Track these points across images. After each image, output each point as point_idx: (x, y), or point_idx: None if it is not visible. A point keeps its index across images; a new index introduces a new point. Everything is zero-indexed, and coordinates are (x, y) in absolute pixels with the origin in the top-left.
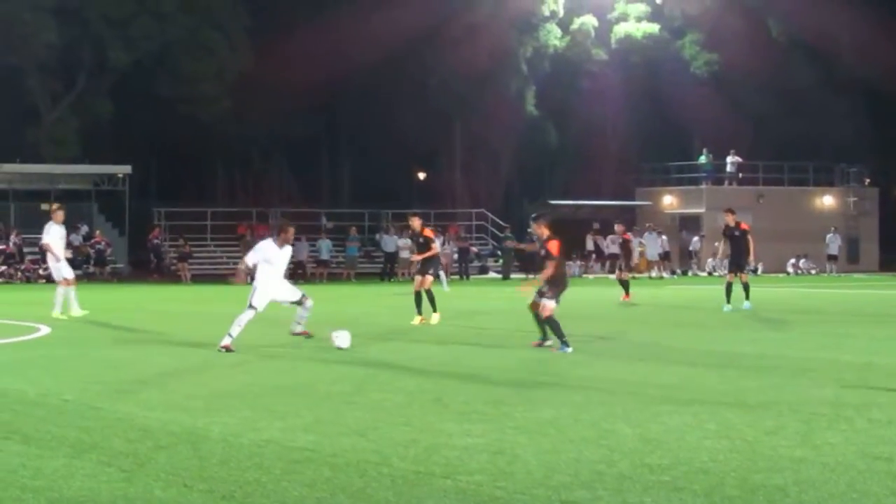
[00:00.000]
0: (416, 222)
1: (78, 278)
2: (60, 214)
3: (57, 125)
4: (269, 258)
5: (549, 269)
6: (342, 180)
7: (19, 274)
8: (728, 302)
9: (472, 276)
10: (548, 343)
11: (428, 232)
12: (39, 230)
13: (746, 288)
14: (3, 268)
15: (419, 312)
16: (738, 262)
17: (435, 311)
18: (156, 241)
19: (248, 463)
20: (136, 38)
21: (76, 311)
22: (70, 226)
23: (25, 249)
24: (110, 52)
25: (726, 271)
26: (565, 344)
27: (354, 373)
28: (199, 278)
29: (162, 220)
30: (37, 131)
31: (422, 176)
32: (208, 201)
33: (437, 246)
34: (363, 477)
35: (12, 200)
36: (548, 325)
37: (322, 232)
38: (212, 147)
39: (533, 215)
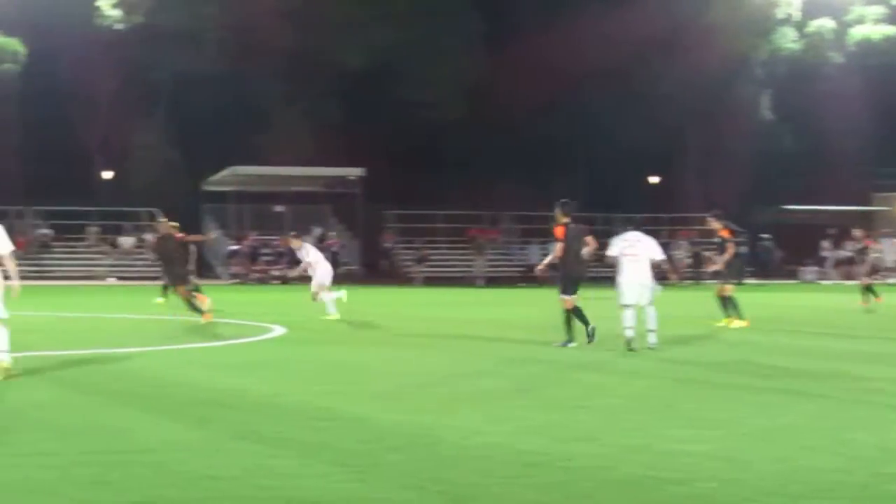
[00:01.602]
0: (714, 223)
1: (309, 280)
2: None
3: (290, 128)
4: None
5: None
6: (573, 184)
7: (254, 275)
8: None
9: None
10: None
11: (724, 232)
12: (273, 232)
13: None
14: (238, 269)
15: (726, 315)
16: None
17: (739, 317)
18: (388, 244)
19: (479, 466)
20: (369, 42)
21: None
22: (303, 228)
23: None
24: (343, 56)
25: None
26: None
27: (584, 378)
28: (430, 281)
29: (394, 223)
30: (270, 134)
31: (654, 180)
32: (440, 204)
33: (732, 247)
34: (594, 482)
35: (247, 203)
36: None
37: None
38: (444, 150)
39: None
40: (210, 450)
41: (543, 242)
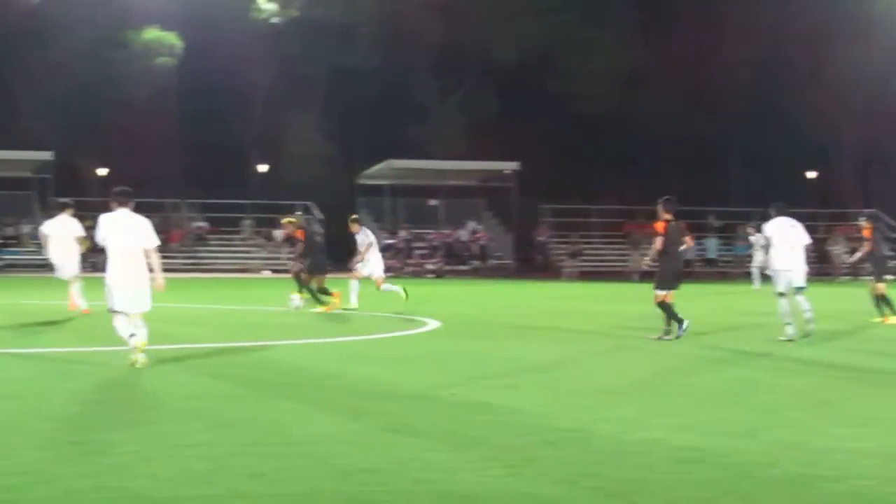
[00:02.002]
0: (864, 224)
1: (462, 273)
2: None
3: (444, 122)
4: None
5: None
6: (730, 179)
7: (408, 268)
8: None
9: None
10: None
11: (866, 232)
12: (427, 226)
13: None
14: (392, 262)
15: (881, 314)
16: None
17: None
18: (542, 238)
19: (634, 461)
20: (523, 35)
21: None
22: (457, 222)
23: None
24: (496, 50)
25: None
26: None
27: (741, 374)
28: (585, 276)
29: (549, 218)
30: (424, 128)
31: (811, 175)
32: (594, 199)
33: (868, 245)
34: (751, 479)
35: (401, 197)
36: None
37: (709, 231)
38: (599, 144)
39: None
40: (365, 443)
41: (699, 239)
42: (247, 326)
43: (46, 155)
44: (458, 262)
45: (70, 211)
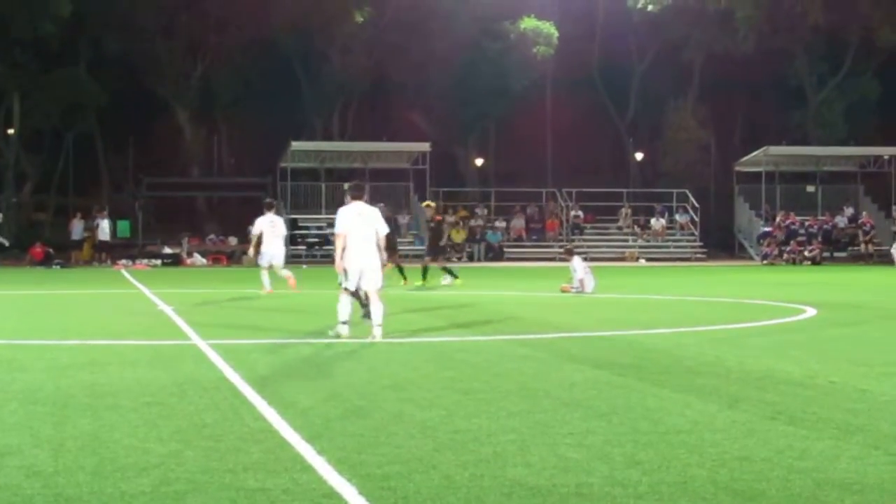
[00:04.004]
0: None
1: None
2: None
3: (823, 107)
4: None
5: None
6: None
7: (785, 255)
8: None
9: None
10: None
11: None
12: (805, 213)
13: None
14: (768, 249)
15: None
16: None
17: None
18: None
19: None
20: None
21: None
22: (835, 207)
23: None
24: (878, 33)
25: None
26: None
27: None
28: None
29: None
30: (803, 113)
31: None
32: None
33: None
34: None
35: (778, 183)
36: None
37: None
38: None
39: None
40: (741, 431)
41: None
42: (623, 315)
43: (424, 146)
44: (836, 248)
45: (275, 209)
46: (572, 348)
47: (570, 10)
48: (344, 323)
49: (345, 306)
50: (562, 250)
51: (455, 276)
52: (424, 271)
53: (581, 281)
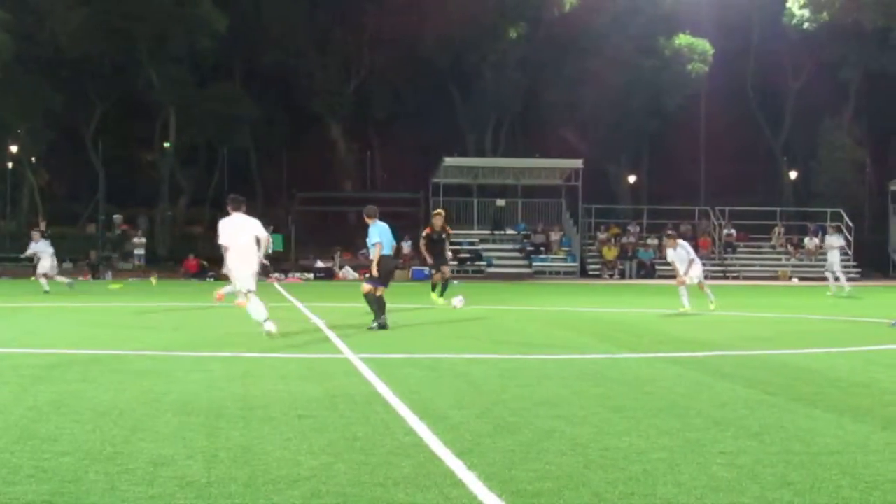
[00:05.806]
0: None
1: None
2: None
3: None
4: None
5: None
6: None
7: None
8: None
9: None
10: None
11: None
12: None
13: None
14: None
15: None
16: None
17: None
18: None
19: None
20: None
21: None
22: None
23: None
24: None
25: None
26: None
27: None
28: None
29: None
30: None
31: None
32: None
33: None
34: None
35: None
36: None
37: None
38: None
39: None
40: (894, 453)
41: None
42: (778, 333)
43: (577, 163)
44: None
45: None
46: (724, 367)
47: (725, 26)
48: (266, 320)
49: (256, 306)
50: (720, 268)
51: (441, 295)
52: (444, 287)
53: (686, 269)
